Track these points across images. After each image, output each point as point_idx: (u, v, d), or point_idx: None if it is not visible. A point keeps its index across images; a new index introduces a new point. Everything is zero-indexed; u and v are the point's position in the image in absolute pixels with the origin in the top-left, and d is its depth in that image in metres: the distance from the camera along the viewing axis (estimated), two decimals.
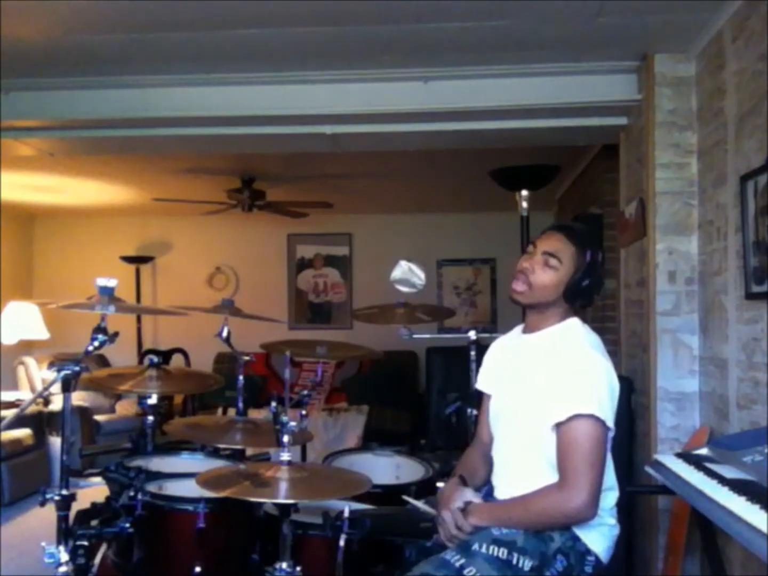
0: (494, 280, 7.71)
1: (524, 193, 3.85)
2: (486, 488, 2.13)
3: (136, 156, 5.07)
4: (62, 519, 2.06)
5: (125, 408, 6.80)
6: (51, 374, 2.07)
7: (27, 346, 6.95)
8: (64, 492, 2.06)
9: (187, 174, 5.78)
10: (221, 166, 5.60)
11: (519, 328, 2.19)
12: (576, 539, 1.91)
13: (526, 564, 1.85)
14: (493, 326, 7.42)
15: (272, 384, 6.85)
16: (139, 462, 2.66)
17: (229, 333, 2.92)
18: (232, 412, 4.38)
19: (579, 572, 1.92)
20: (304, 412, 2.72)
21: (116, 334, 2.14)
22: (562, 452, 1.88)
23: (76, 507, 2.22)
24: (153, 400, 2.97)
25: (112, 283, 2.24)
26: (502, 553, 1.85)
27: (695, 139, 3.09)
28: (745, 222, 2.50)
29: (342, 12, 2.79)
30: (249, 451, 3.00)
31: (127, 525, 2.24)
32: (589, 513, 1.85)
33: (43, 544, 2.01)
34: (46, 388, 2.28)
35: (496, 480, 2.11)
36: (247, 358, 2.96)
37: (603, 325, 4.34)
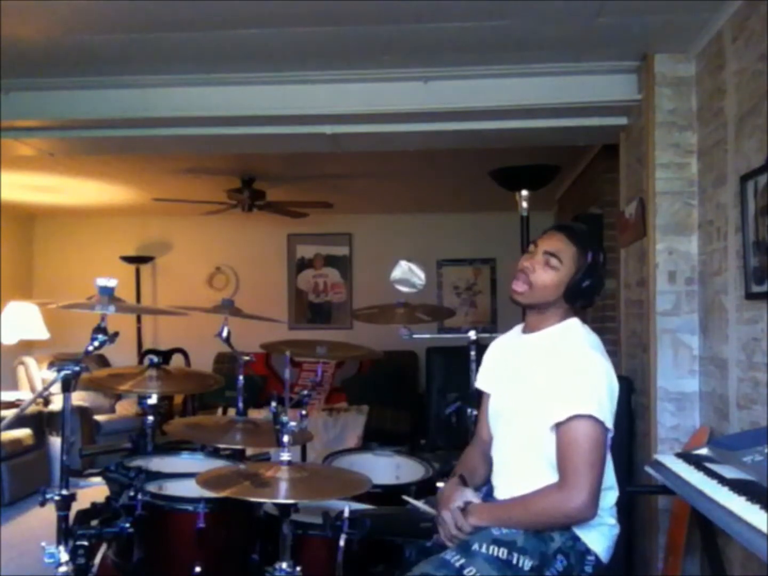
0: (494, 280, 7.71)
1: (524, 193, 3.85)
2: (486, 488, 2.13)
3: (136, 156, 5.07)
4: (62, 519, 2.06)
5: (125, 408, 6.80)
6: (51, 374, 2.07)
7: (27, 346, 6.95)
8: (64, 492, 2.06)
9: (187, 174, 5.78)
10: (221, 166, 5.60)
11: (519, 328, 2.19)
12: (576, 539, 1.91)
13: (526, 564, 1.85)
14: (493, 326, 7.41)
15: (272, 384, 6.85)
16: (139, 462, 2.66)
17: (229, 333, 2.92)
18: (232, 412, 4.38)
19: (579, 572, 1.92)
20: (304, 412, 2.72)
21: (116, 334, 2.14)
22: (561, 452, 1.88)
23: (76, 507, 2.22)
24: (153, 400, 2.97)
25: (112, 283, 2.24)
26: (502, 553, 1.85)
27: (695, 139, 3.09)
28: (745, 222, 2.50)
29: (342, 12, 2.79)
30: (249, 451, 3.00)
31: (127, 525, 2.24)
32: (589, 513, 1.85)
33: (43, 544, 2.01)
34: (46, 388, 2.28)
35: (496, 480, 2.11)
36: (247, 358, 2.96)
37: (603, 325, 4.34)
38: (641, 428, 3.37)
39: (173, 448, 3.00)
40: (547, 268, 2.01)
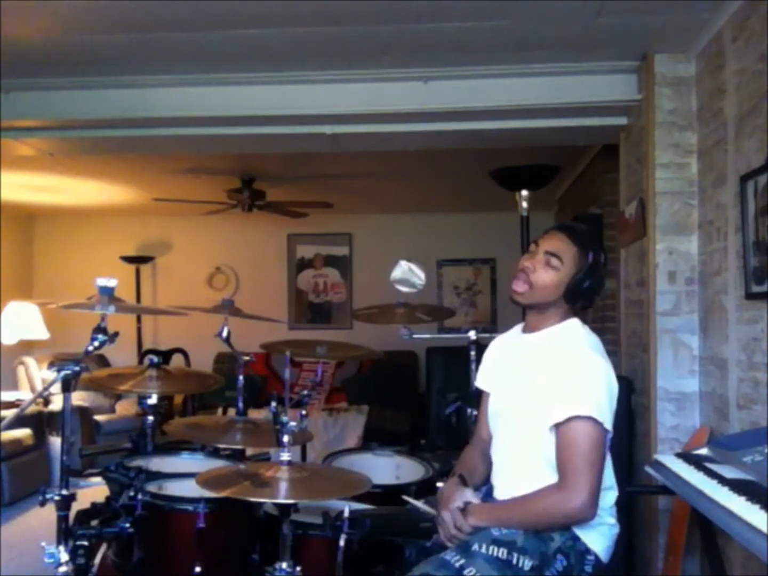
0: (494, 280, 7.71)
1: (524, 193, 3.85)
2: (486, 488, 2.13)
3: (136, 156, 5.07)
4: (62, 519, 2.06)
5: (125, 408, 6.80)
6: (51, 374, 2.07)
7: (27, 346, 6.95)
8: (64, 492, 2.06)
9: (187, 174, 5.78)
10: (221, 166, 5.60)
11: (519, 327, 2.19)
12: (576, 539, 1.91)
13: (526, 564, 1.85)
14: (493, 326, 7.42)
15: (272, 384, 6.85)
16: (139, 462, 2.66)
17: (229, 333, 2.92)
18: (232, 412, 4.38)
19: (579, 572, 1.92)
20: (304, 412, 2.71)
21: (116, 334, 2.14)
22: (561, 453, 1.88)
23: (76, 507, 2.22)
24: (153, 400, 2.97)
25: (112, 283, 2.24)
26: (501, 553, 1.85)
27: (695, 139, 3.09)
28: (745, 222, 2.50)
29: (342, 12, 2.79)
30: (249, 451, 3.00)
31: (127, 525, 2.24)
32: (588, 513, 1.85)
33: (43, 544, 2.01)
34: (46, 388, 2.28)
35: (496, 480, 2.11)
36: (247, 358, 2.96)
37: (603, 325, 4.34)
38: (641, 428, 3.37)
39: (173, 448, 2.99)
40: (547, 268, 2.01)
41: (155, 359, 2.96)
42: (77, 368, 2.07)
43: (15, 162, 4.75)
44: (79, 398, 6.23)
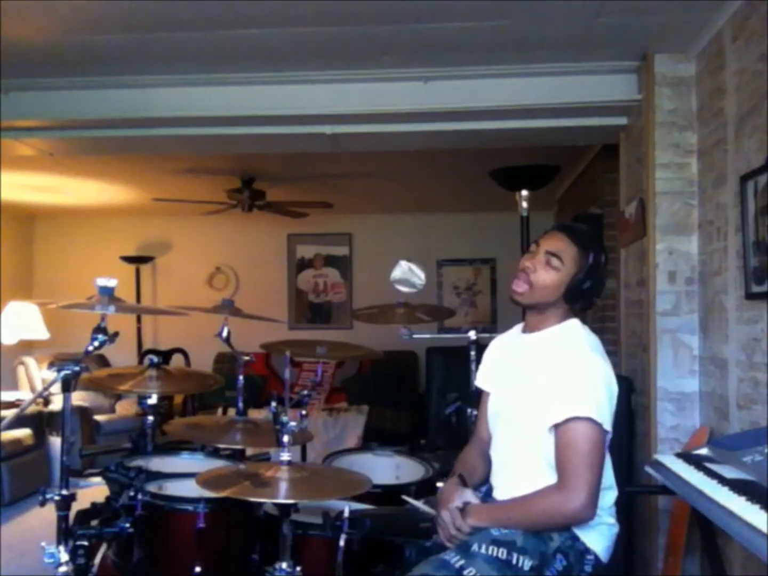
0: (494, 280, 7.71)
1: (524, 193, 3.85)
2: (485, 487, 2.13)
3: (136, 156, 5.07)
4: (62, 519, 2.06)
5: (125, 408, 6.80)
6: (51, 374, 2.07)
7: (27, 346, 6.95)
8: (64, 492, 2.06)
9: (187, 174, 5.78)
10: (221, 166, 5.60)
11: (518, 327, 2.19)
12: (575, 538, 1.91)
13: (526, 564, 1.85)
14: (493, 326, 7.41)
15: (272, 384, 6.85)
16: (139, 462, 2.66)
17: (229, 333, 2.92)
18: (232, 412, 4.38)
19: (579, 571, 1.92)
20: (304, 412, 2.71)
21: (116, 334, 2.14)
22: (560, 454, 1.88)
23: (76, 507, 2.22)
24: (153, 400, 2.96)
25: (112, 283, 2.24)
26: (501, 553, 1.85)
27: (695, 139, 3.09)
28: (745, 222, 2.50)
29: (342, 12, 2.79)
30: (249, 451, 3.00)
31: (127, 525, 2.24)
32: (588, 514, 1.85)
33: (43, 544, 2.01)
34: (46, 388, 2.28)
35: (495, 480, 2.11)
36: (247, 358, 2.96)
37: (603, 325, 4.34)
38: (641, 428, 3.37)
39: (173, 448, 2.99)
40: (548, 268, 2.01)
41: (155, 359, 2.96)
42: (77, 368, 2.07)
43: (15, 162, 4.75)
44: (79, 398, 6.23)
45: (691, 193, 3.10)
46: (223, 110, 3.64)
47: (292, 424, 2.01)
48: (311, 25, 2.91)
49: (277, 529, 2.03)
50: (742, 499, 1.77)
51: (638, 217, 3.36)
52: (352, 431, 5.97)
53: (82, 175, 5.86)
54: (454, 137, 3.97)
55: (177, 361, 5.36)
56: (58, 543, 2.03)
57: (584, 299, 2.05)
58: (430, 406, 5.10)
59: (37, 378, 6.47)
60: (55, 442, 5.77)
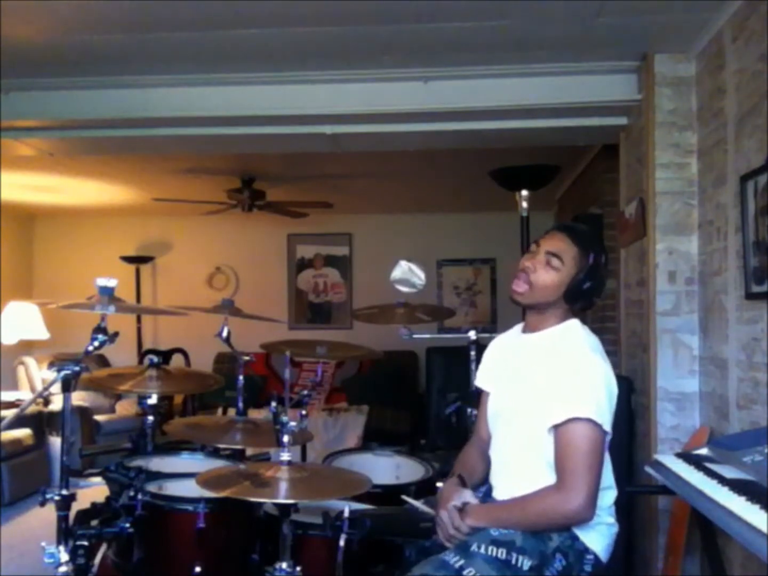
0: (494, 280, 7.71)
1: (524, 193, 3.84)
2: (485, 487, 2.13)
3: (136, 156, 5.07)
4: (62, 519, 2.06)
5: (125, 408, 6.80)
6: (51, 374, 2.06)
7: (27, 346, 6.95)
8: (64, 492, 2.06)
9: (187, 174, 5.78)
10: (221, 166, 5.60)
11: (518, 327, 2.19)
12: (575, 538, 1.91)
13: (525, 564, 1.85)
14: (493, 326, 7.41)
15: (272, 384, 6.85)
16: (139, 462, 2.65)
17: (229, 333, 2.92)
18: (232, 412, 4.38)
19: (578, 571, 1.92)
20: (304, 412, 2.71)
21: (116, 334, 2.14)
22: (559, 454, 1.88)
23: (76, 507, 2.21)
24: (153, 400, 2.96)
25: (112, 283, 2.24)
26: (501, 553, 1.85)
27: (695, 139, 3.09)
28: (745, 222, 2.50)
29: (342, 12, 2.79)
30: (249, 451, 3.00)
31: (127, 525, 2.24)
32: (587, 514, 1.85)
33: (43, 544, 2.01)
34: (46, 388, 2.28)
35: (495, 480, 2.11)
36: (247, 358, 2.96)
37: (603, 325, 4.34)
38: (641, 428, 3.37)
39: (173, 448, 2.99)
40: (548, 268, 2.01)
41: (155, 359, 2.96)
42: (77, 368, 2.06)
43: (15, 162, 4.75)
44: (79, 398, 6.23)
45: (691, 193, 3.10)
46: (223, 110, 3.64)
47: (292, 424, 2.01)
48: (311, 25, 2.91)
49: (277, 529, 2.03)
50: (742, 499, 1.77)
51: (638, 217, 3.36)
52: (352, 431, 5.97)
53: (82, 175, 5.86)
54: (454, 137, 3.97)
55: (177, 361, 5.36)
56: (58, 543, 2.03)
57: (584, 299, 2.05)
58: (430, 406, 5.10)
59: (37, 378, 6.47)
60: (55, 442, 5.77)
